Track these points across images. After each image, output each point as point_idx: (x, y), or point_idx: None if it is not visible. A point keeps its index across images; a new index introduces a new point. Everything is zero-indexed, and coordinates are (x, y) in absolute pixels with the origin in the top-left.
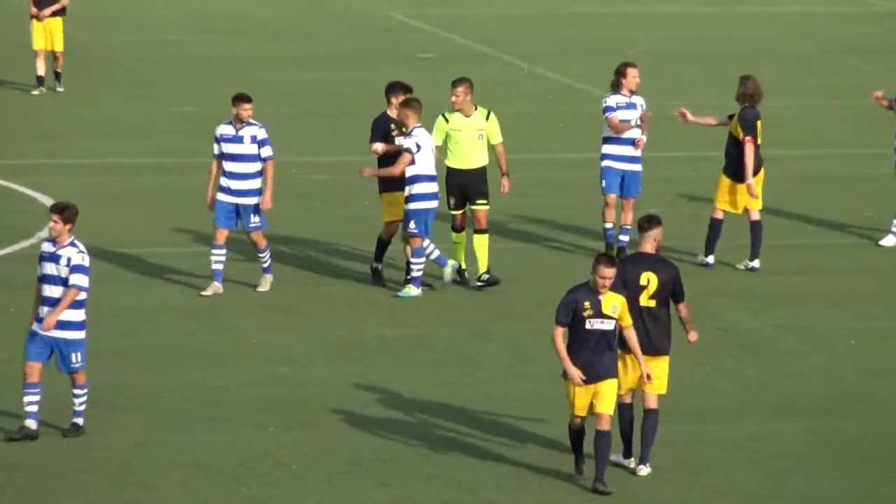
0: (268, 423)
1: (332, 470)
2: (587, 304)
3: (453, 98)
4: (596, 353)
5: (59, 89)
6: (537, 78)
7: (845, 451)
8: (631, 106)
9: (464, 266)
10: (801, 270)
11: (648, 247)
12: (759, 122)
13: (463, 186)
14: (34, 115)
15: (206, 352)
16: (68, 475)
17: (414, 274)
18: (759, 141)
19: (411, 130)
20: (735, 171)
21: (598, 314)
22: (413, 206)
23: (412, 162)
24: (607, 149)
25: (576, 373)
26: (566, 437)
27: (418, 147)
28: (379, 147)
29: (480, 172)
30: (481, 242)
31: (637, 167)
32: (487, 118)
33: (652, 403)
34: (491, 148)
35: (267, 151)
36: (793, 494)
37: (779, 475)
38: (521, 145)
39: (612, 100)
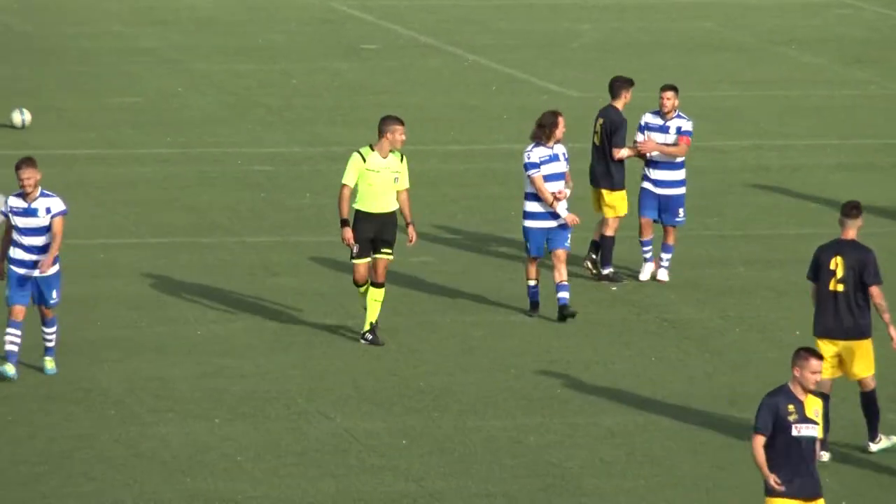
0: (213, 415)
1: (279, 462)
2: (791, 407)
3: (403, 137)
4: (805, 466)
5: None
6: (481, 69)
7: None
8: (554, 158)
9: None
10: (747, 262)
11: (851, 233)
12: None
13: (374, 232)
14: None
15: (151, 343)
16: (11, 467)
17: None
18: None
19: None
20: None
21: (803, 419)
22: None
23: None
24: (531, 206)
25: (775, 482)
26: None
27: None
28: (624, 152)
29: (391, 217)
30: (376, 297)
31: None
32: (402, 161)
33: (866, 386)
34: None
35: None
36: (738, 484)
37: (725, 466)
38: (465, 136)
39: (536, 154)
